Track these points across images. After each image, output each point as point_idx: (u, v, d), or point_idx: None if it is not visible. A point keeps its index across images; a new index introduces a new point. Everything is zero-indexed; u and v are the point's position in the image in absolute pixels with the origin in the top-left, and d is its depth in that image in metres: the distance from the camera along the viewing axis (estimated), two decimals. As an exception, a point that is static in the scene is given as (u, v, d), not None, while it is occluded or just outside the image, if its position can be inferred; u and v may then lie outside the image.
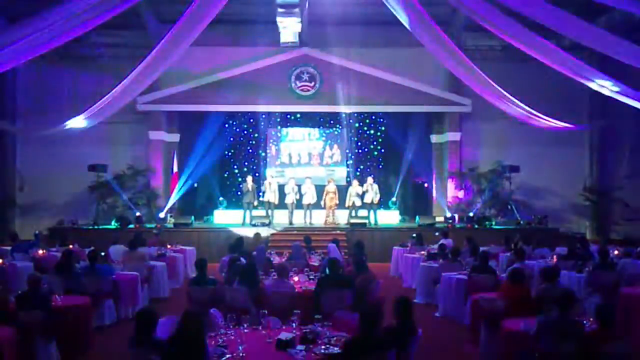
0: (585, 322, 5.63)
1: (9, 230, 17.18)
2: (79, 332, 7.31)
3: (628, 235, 16.57)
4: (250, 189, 17.26)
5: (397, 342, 4.73)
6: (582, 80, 13.66)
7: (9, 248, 12.38)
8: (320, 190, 17.68)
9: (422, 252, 12.28)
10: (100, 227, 16.90)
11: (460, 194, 18.98)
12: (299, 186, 17.61)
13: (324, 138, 20.75)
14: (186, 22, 12.98)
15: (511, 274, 7.18)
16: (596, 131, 19.26)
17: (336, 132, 20.49)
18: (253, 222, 16.89)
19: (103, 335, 8.23)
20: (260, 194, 17.51)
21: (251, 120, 20.64)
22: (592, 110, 19.06)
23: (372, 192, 17.27)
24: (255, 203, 17.45)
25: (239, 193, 18.29)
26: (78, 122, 15.35)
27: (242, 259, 8.81)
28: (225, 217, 18.38)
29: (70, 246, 12.22)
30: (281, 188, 17.59)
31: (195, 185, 19.97)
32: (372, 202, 17.29)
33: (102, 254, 10.19)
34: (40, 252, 11.76)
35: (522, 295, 6.78)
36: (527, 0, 11.63)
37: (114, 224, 16.89)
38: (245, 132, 20.77)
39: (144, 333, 4.71)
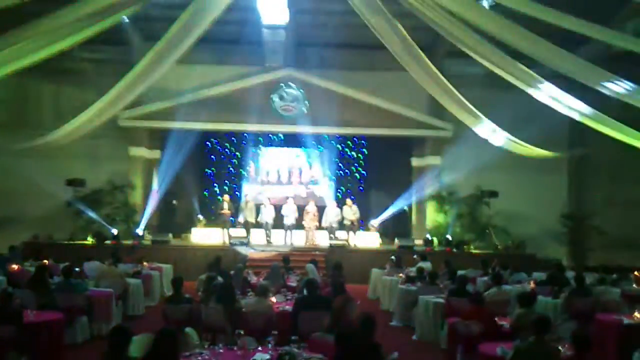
0: (561, 347, 5.66)
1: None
2: (51, 348, 7.18)
3: (604, 262, 16.71)
4: (226, 209, 17.15)
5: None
6: (559, 108, 13.91)
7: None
8: (300, 210, 17.68)
9: (400, 275, 12.27)
10: (77, 242, 16.64)
11: (440, 217, 19.05)
12: (279, 206, 17.57)
13: (304, 157, 20.79)
14: (170, 40, 13.00)
15: (471, 297, 7.47)
16: (575, 159, 19.45)
17: (317, 153, 20.50)
18: (231, 241, 16.77)
19: (76, 351, 8.09)
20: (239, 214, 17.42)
21: (233, 139, 20.67)
22: (571, 139, 19.27)
23: (352, 213, 17.29)
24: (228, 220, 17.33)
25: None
26: (59, 137, 15.22)
27: (219, 277, 8.76)
28: (203, 235, 18.22)
29: (45, 261, 12.02)
30: (259, 208, 17.50)
31: (175, 202, 19.81)
32: (351, 223, 17.30)
33: (77, 269, 10.07)
34: (15, 266, 11.57)
35: (483, 318, 6.89)
36: (509, 28, 11.87)
37: (90, 240, 16.65)
38: (227, 150, 20.79)
39: (117, 351, 4.65)
